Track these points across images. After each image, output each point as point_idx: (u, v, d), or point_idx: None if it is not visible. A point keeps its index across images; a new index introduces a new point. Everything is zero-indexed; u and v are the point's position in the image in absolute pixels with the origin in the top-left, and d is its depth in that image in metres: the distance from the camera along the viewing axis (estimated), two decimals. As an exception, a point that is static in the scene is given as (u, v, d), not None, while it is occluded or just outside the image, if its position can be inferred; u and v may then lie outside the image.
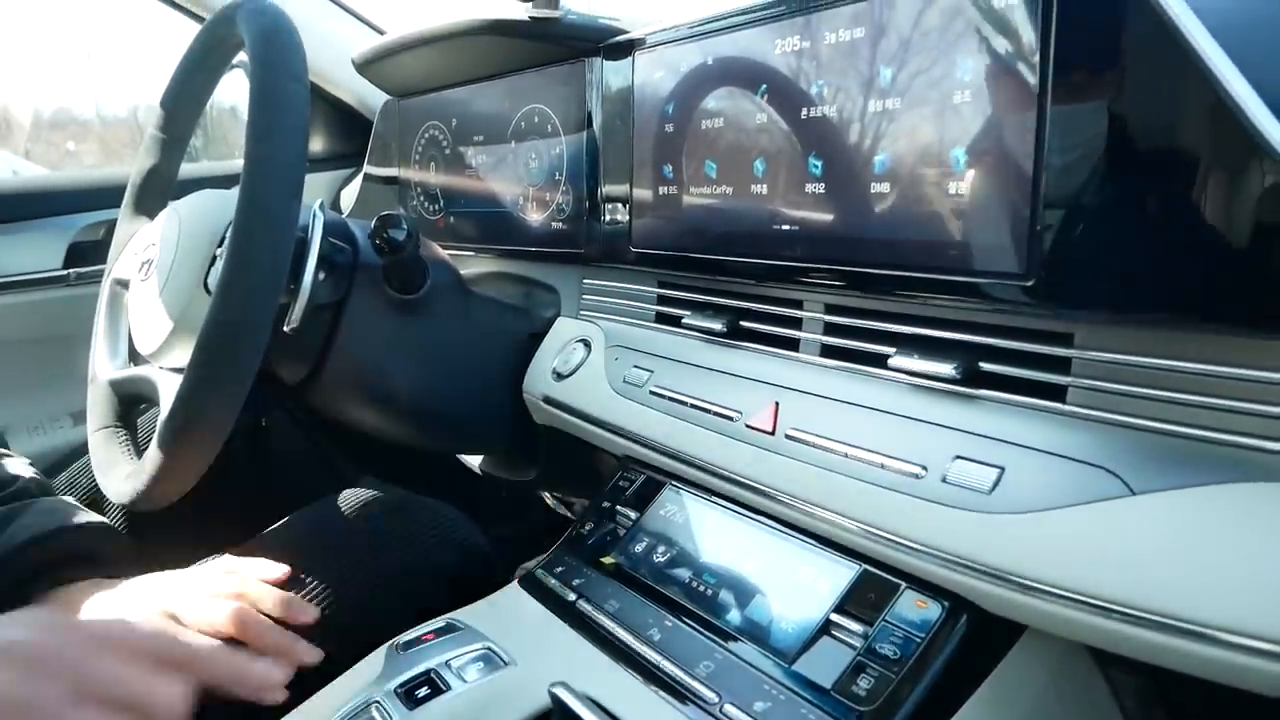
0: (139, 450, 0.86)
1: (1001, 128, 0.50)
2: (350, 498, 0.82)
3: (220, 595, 0.68)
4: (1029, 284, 0.49)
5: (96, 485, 0.82)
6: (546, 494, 1.12)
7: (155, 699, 0.41)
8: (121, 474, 0.77)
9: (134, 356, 0.91)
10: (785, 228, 0.65)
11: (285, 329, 0.75)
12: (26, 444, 1.24)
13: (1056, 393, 0.51)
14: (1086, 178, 0.46)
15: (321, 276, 0.79)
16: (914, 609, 0.53)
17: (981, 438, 0.52)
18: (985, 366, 0.54)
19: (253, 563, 0.73)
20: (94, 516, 0.76)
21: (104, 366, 0.93)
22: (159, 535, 0.81)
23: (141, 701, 0.41)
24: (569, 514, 1.12)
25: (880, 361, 0.60)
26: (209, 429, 0.66)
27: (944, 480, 0.52)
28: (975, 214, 0.52)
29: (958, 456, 0.52)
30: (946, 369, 0.55)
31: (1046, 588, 0.46)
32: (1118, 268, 0.45)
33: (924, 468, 0.53)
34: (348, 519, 0.79)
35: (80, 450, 0.94)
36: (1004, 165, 0.50)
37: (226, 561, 0.73)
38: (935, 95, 0.54)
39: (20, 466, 0.81)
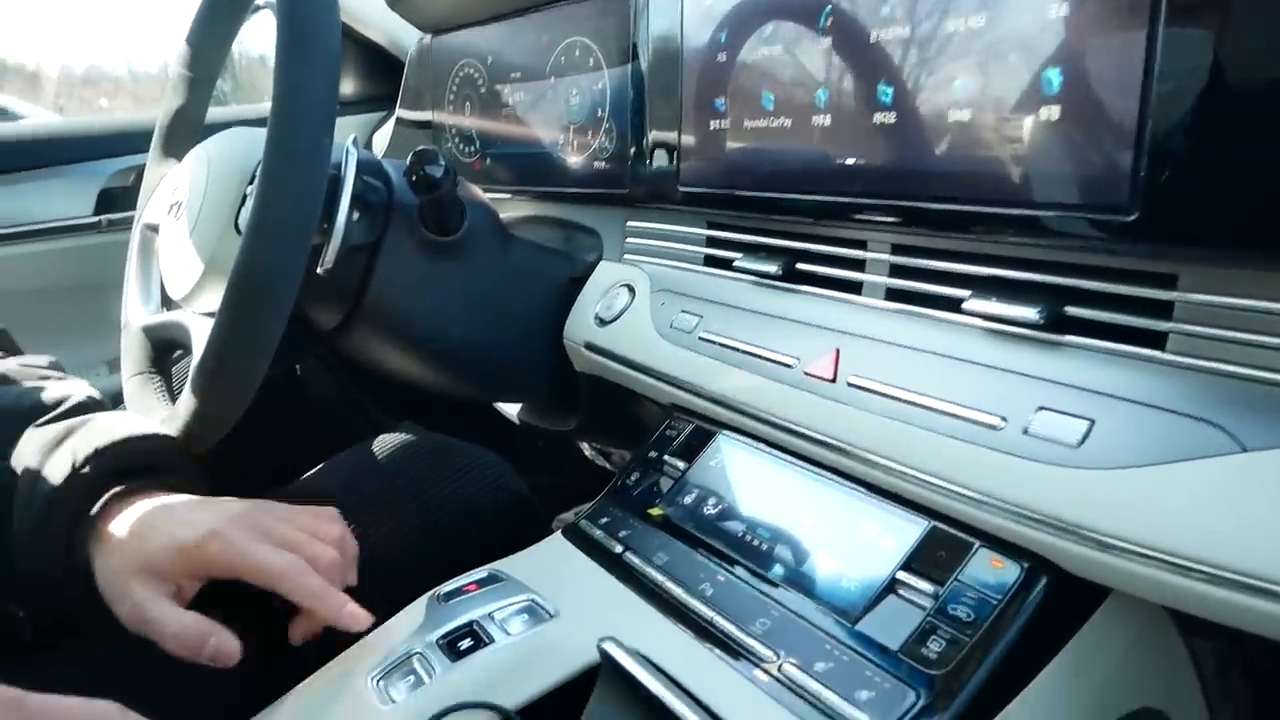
0: (173, 396, 0.85)
1: (1103, 45, 0.45)
2: (387, 442, 0.79)
3: (280, 543, 0.62)
4: (1130, 219, 0.45)
5: None
6: (585, 445, 1.10)
7: None
8: (155, 420, 0.75)
9: (166, 302, 0.89)
10: (849, 162, 0.61)
11: (318, 271, 0.72)
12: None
13: (1154, 339, 0.46)
14: (1200, 102, 0.41)
15: (355, 217, 0.76)
16: (989, 569, 0.49)
17: (1068, 387, 0.49)
18: (1072, 311, 0.50)
19: (319, 514, 0.67)
20: (156, 427, 0.68)
21: (136, 312, 0.91)
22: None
23: None
24: (608, 465, 1.10)
25: (953, 305, 0.56)
26: (242, 374, 0.63)
27: (1025, 432, 0.48)
28: (1069, 143, 0.48)
29: (1041, 408, 0.49)
30: (1028, 313, 0.51)
31: (1141, 549, 0.43)
32: (1232, 202, 0.41)
33: (1003, 419, 0.50)
34: (384, 464, 0.77)
35: (117, 398, 0.92)
36: (1105, 87, 0.45)
37: (293, 509, 0.67)
38: (1026, 9, 0.49)
39: (78, 387, 0.73)
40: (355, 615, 0.59)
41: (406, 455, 0.78)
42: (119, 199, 1.22)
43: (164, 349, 0.86)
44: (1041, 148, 0.49)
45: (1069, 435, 0.47)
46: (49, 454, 0.62)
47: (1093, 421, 0.46)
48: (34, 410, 0.67)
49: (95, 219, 1.20)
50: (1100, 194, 0.46)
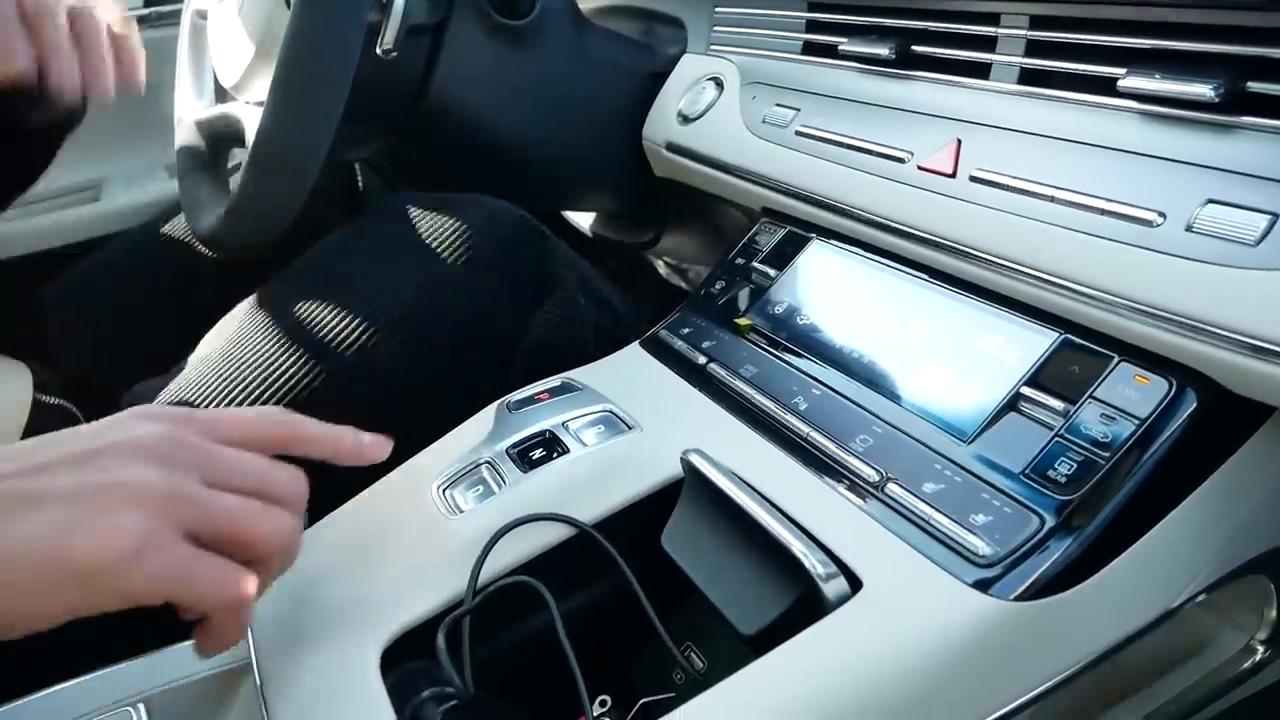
0: (229, 192, 0.81)
1: None
2: (377, 213, 0.73)
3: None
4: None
5: None
6: (660, 262, 1.04)
7: (277, 481, 0.41)
8: (210, 215, 0.71)
9: (221, 94, 0.84)
10: (987, -85, 0.52)
11: (378, 52, 0.65)
12: (124, 197, 1.20)
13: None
14: None
15: (417, -8, 0.69)
16: (1131, 384, 0.43)
17: (1245, 177, 0.41)
18: (1254, 86, 0.42)
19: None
20: None
21: (189, 107, 0.87)
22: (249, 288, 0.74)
23: (266, 483, 0.41)
24: (684, 285, 1.04)
25: (1106, 87, 0.48)
26: (295, 162, 0.58)
27: (1189, 229, 0.41)
28: None
29: (1210, 200, 0.41)
30: (1201, 90, 0.43)
31: (1326, 361, 0.36)
32: None
33: (1161, 214, 0.43)
34: (373, 231, 0.71)
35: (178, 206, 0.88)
36: None
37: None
38: None
39: None
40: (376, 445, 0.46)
41: (404, 214, 0.71)
42: (170, -12, 1.15)
43: (218, 144, 0.81)
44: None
45: (1244, 231, 0.40)
46: None
47: (1275, 216, 0.39)
48: None
49: (145, 11, 1.14)
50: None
